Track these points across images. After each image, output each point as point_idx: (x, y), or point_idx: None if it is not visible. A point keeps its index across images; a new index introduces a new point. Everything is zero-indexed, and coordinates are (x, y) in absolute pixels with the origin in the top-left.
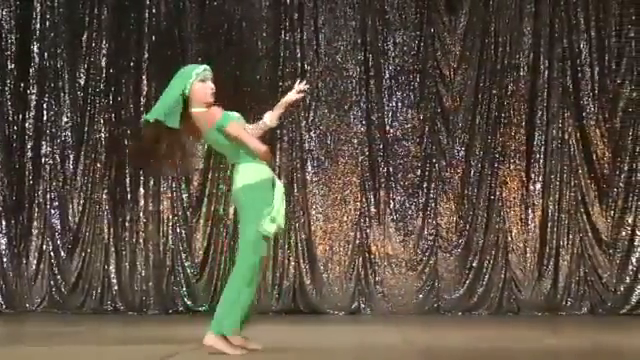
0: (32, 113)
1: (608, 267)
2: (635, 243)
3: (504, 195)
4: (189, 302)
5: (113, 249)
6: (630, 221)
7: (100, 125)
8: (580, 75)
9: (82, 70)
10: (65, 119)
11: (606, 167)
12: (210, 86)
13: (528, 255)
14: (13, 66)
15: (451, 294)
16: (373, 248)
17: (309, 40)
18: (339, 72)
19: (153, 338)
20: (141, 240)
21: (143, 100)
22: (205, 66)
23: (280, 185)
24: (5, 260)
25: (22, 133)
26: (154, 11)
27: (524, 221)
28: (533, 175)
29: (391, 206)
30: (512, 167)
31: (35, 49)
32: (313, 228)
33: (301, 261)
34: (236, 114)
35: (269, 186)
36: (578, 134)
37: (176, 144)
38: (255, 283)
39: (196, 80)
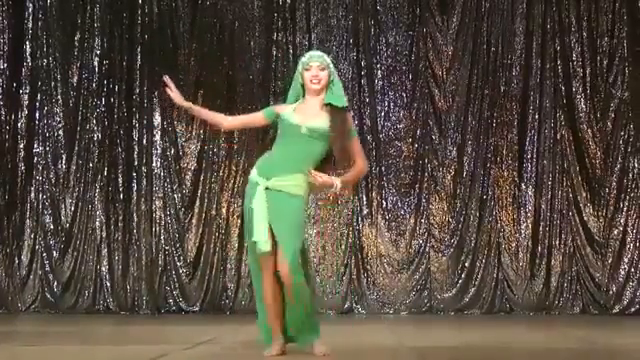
0: (24, 113)
1: (600, 267)
2: (627, 243)
3: (496, 195)
4: (181, 302)
5: (105, 249)
6: (622, 221)
7: (93, 125)
8: (572, 75)
9: (75, 70)
10: (58, 119)
11: (598, 167)
12: (312, 74)
13: (520, 255)
14: (5, 66)
15: (443, 294)
16: (365, 248)
17: (301, 40)
18: None
19: (145, 338)
20: (133, 240)
21: (136, 100)
22: (312, 53)
23: (260, 193)
24: None
25: (14, 133)
26: (146, 11)
27: (516, 221)
28: (525, 175)
29: (383, 206)
30: (504, 167)
31: (27, 49)
32: (305, 228)
33: None
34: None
35: (250, 189)
36: (570, 134)
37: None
38: (255, 285)
39: (303, 69)
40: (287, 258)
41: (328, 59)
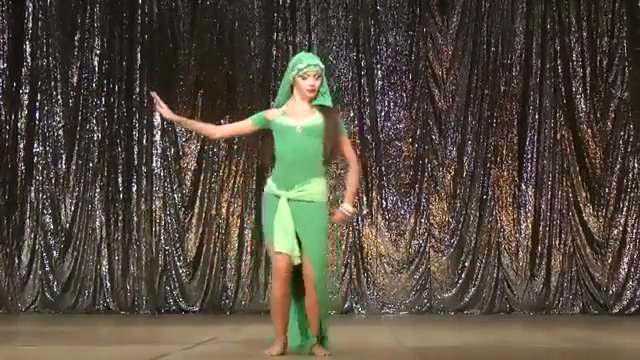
0: (24, 113)
1: (600, 267)
2: (627, 243)
3: (496, 195)
4: (181, 302)
5: (105, 249)
6: (622, 221)
7: (92, 125)
8: (572, 75)
9: (75, 70)
10: (58, 119)
11: (598, 167)
12: (309, 83)
13: (520, 255)
14: (5, 66)
15: (443, 294)
16: (365, 248)
17: (301, 40)
18: (331, 72)
19: (145, 338)
20: (133, 240)
21: (136, 100)
22: (309, 60)
23: (283, 206)
24: None
25: (14, 133)
26: (146, 11)
27: (516, 221)
28: (525, 175)
29: (383, 206)
30: (504, 167)
31: (27, 49)
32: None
33: None
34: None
35: (270, 202)
36: (570, 134)
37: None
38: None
39: (297, 75)
40: (313, 261)
41: (321, 63)
